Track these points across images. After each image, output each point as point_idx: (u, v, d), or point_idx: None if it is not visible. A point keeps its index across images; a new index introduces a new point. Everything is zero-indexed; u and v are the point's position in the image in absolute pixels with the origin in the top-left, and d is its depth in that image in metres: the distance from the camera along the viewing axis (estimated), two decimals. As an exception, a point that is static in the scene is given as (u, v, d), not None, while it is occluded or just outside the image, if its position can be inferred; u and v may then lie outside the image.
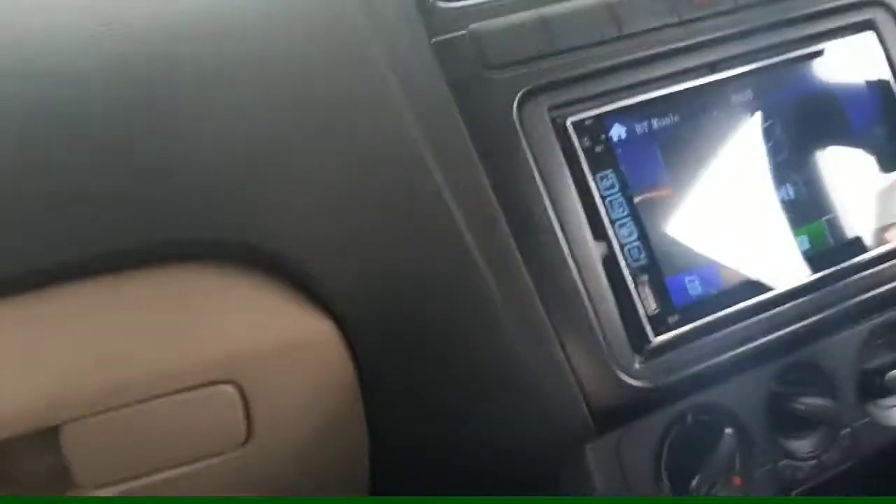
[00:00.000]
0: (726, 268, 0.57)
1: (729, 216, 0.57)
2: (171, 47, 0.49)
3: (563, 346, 0.52)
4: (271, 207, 0.48)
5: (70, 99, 0.46)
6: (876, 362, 0.64)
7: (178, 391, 0.48)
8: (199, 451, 0.51)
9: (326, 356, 0.51)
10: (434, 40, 0.53)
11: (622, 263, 0.54)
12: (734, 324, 0.57)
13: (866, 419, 0.63)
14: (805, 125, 0.61)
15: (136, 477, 0.50)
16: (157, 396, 0.48)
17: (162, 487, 0.50)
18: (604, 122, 0.55)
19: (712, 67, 0.60)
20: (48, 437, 0.47)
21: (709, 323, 0.56)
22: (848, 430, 0.63)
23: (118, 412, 0.47)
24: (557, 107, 0.55)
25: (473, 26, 0.54)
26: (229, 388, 0.49)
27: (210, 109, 0.48)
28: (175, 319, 0.48)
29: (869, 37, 0.64)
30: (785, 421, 0.61)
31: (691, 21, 0.59)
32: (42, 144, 0.45)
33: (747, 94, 0.60)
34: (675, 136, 0.57)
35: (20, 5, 0.49)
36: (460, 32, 0.54)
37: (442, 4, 0.55)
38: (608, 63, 0.56)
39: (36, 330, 0.45)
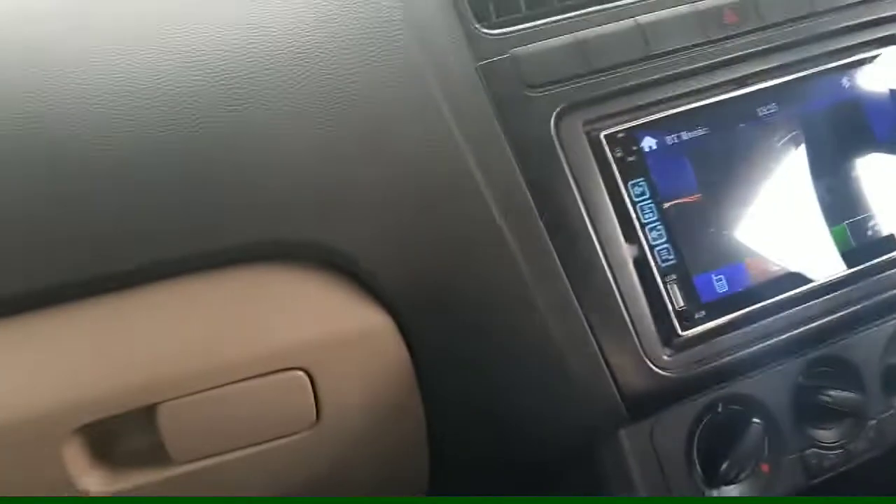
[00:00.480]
0: (752, 267, 0.61)
1: (755, 220, 0.62)
2: (245, 75, 0.56)
3: (596, 339, 0.57)
4: (335, 212, 0.55)
5: (156, 117, 0.53)
6: (902, 357, 0.67)
7: (256, 376, 0.55)
8: (275, 430, 0.57)
9: (384, 346, 0.57)
10: (479, 64, 0.59)
11: (652, 263, 0.59)
12: (760, 320, 0.61)
13: (892, 411, 0.66)
14: (827, 135, 0.64)
15: (221, 453, 0.57)
16: (240, 381, 0.54)
17: (244, 462, 0.57)
18: (635, 134, 0.60)
19: (740, 83, 0.64)
20: (146, 418, 0.54)
21: (735, 319, 0.60)
22: (874, 421, 0.66)
23: (206, 394, 0.54)
24: (592, 121, 0.60)
25: (515, 50, 0.60)
26: (300, 374, 0.56)
27: (283, 127, 0.55)
28: (254, 313, 0.54)
29: (892, 51, 0.67)
30: (812, 412, 0.64)
31: (719, 40, 0.64)
32: (141, 153, 0.52)
33: (773, 107, 0.64)
34: (704, 147, 0.62)
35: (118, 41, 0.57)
36: (503, 56, 0.60)
37: (486, 31, 0.61)
38: (639, 80, 0.61)
39: (136, 320, 0.53)
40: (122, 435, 0.56)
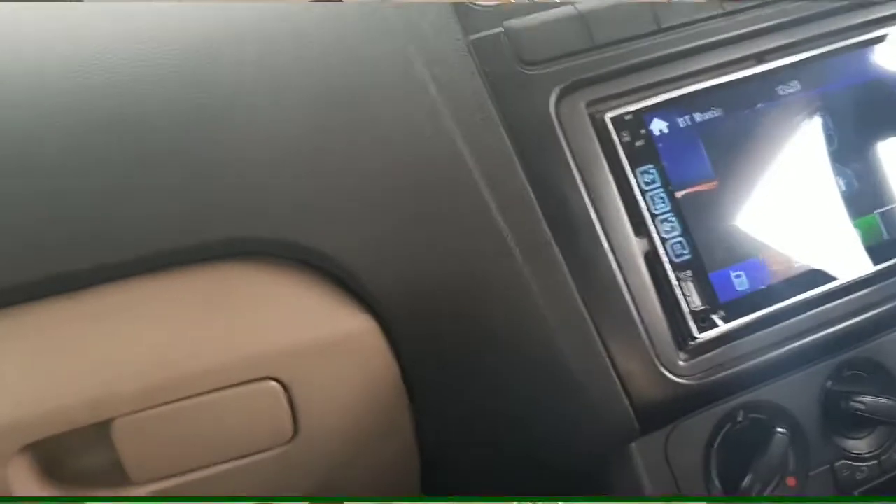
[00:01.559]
0: (774, 262, 0.55)
1: (776, 210, 0.56)
2: (219, 53, 0.51)
3: (604, 343, 0.52)
4: (312, 205, 0.50)
5: (121, 99, 0.49)
6: (940, 359, 0.62)
7: (224, 388, 0.49)
8: (247, 447, 0.52)
9: (368, 353, 0.52)
10: (470, 38, 0.54)
11: (664, 259, 0.53)
12: (783, 320, 0.55)
13: (929, 418, 0.61)
14: (855, 116, 0.59)
15: (186, 472, 0.51)
16: (204, 393, 0.49)
17: (212, 483, 0.52)
18: (643, 116, 0.55)
19: (758, 59, 0.59)
20: (101, 433, 0.49)
21: (756, 319, 0.54)
22: (910, 429, 0.60)
23: (166, 408, 0.48)
24: (596, 102, 0.55)
25: (509, 23, 0.54)
26: (274, 385, 0.50)
27: (254, 111, 0.50)
28: (220, 316, 0.49)
29: (922, 23, 0.62)
30: (842, 420, 0.59)
31: (736, 11, 0.58)
32: (94, 144, 0.47)
33: (794, 86, 0.58)
34: (720, 130, 0.56)
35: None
36: (496, 30, 0.54)
37: (477, 2, 0.55)
38: (648, 57, 0.56)
39: (84, 327, 0.47)
40: (76, 453, 0.51)
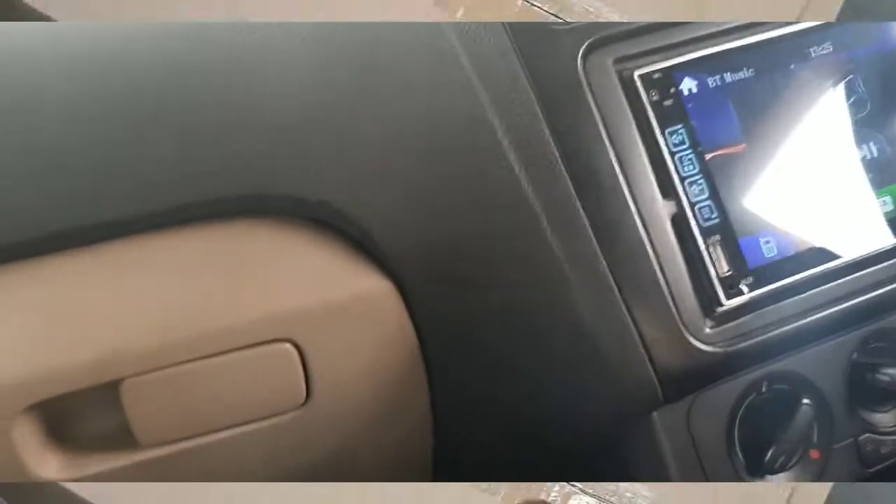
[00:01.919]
0: (804, 229, 0.54)
1: (807, 175, 0.54)
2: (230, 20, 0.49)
3: (628, 308, 0.50)
4: (330, 164, 0.48)
5: (132, 55, 0.47)
6: (967, 332, 0.60)
7: (235, 349, 0.48)
8: (259, 410, 0.50)
9: (385, 317, 0.50)
10: (496, -8, 0.52)
11: (692, 223, 0.51)
12: (812, 288, 0.54)
13: (956, 392, 0.59)
14: (889, 80, 0.57)
15: (195, 436, 0.50)
16: (215, 354, 0.47)
17: (221, 447, 0.50)
18: (673, 74, 0.53)
19: (790, 19, 0.57)
20: (109, 395, 0.47)
21: (785, 286, 0.53)
22: (936, 403, 0.59)
23: (176, 369, 0.47)
24: (624, 59, 0.53)
25: (536, -23, 0.52)
26: (288, 347, 0.49)
27: (272, 65, 0.48)
28: (232, 276, 0.47)
29: (962, -16, 0.60)
30: (867, 392, 0.58)
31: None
32: (103, 101, 0.45)
33: (827, 47, 0.56)
34: (750, 91, 0.54)
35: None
36: (523, -17, 0.52)
37: None
38: (678, 13, 0.54)
39: (92, 284, 0.45)
40: (83, 414, 0.49)
